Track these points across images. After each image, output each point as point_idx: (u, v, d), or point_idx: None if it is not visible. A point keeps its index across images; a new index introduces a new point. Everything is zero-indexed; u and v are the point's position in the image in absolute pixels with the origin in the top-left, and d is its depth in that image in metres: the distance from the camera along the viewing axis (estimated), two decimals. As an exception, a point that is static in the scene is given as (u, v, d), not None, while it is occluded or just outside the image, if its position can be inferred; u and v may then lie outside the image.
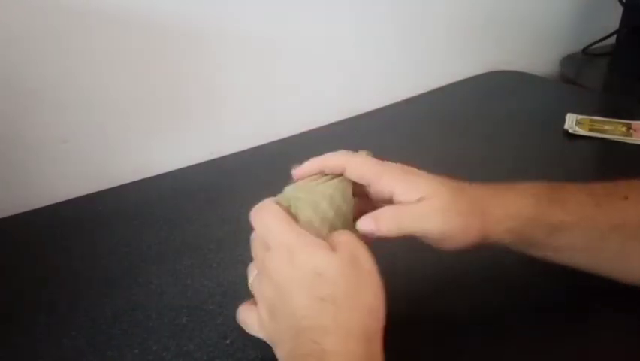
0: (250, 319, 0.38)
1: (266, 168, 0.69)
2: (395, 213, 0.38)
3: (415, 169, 0.40)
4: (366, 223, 0.37)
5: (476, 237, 0.38)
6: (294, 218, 0.37)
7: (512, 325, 0.44)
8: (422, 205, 0.37)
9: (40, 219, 0.60)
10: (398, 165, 0.40)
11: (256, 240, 0.38)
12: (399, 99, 0.89)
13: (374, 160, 0.41)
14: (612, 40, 1.06)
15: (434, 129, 0.81)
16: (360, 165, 0.40)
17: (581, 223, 0.39)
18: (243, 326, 0.40)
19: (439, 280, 0.48)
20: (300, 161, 0.71)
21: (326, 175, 0.41)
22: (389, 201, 0.39)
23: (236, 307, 0.46)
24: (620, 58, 1.05)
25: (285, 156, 0.74)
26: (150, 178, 0.68)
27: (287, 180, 0.67)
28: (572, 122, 0.78)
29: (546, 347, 0.41)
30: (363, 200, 0.41)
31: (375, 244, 0.38)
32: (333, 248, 0.34)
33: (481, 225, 0.38)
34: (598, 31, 1.07)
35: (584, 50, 1.10)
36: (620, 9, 1.02)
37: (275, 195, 0.41)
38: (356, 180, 0.40)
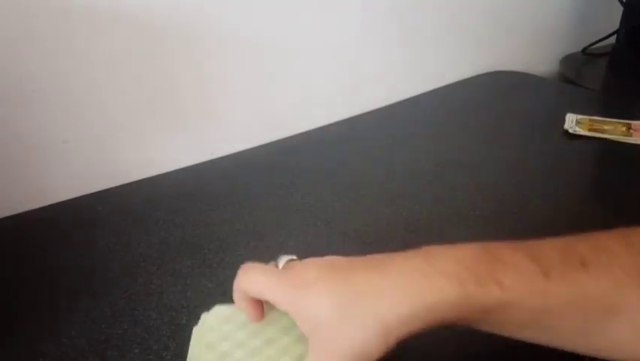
0: None
1: (266, 168, 0.69)
2: None
3: (305, 279, 0.34)
4: None
5: (383, 349, 0.32)
6: None
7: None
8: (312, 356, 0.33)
9: (40, 219, 0.60)
10: (286, 283, 0.35)
11: None
12: (399, 99, 0.89)
13: (263, 285, 0.36)
14: (612, 40, 1.06)
15: (434, 129, 0.81)
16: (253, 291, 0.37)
17: (524, 301, 0.32)
18: None
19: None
20: (300, 161, 0.72)
21: None
22: None
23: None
24: (620, 58, 1.05)
25: (285, 156, 0.75)
26: (150, 178, 0.68)
27: (287, 180, 0.67)
28: (571, 122, 0.78)
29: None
30: None
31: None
32: None
33: (384, 337, 0.31)
34: (598, 31, 1.07)
35: (584, 50, 1.10)
36: (620, 9, 1.03)
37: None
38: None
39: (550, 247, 0.34)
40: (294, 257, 0.38)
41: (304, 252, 0.53)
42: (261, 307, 0.38)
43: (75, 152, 0.63)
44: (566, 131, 0.76)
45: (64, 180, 0.63)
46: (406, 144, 0.76)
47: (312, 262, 0.36)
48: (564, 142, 0.75)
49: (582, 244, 0.34)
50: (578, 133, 0.76)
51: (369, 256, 0.36)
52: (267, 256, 0.53)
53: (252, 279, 0.37)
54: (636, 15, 1.00)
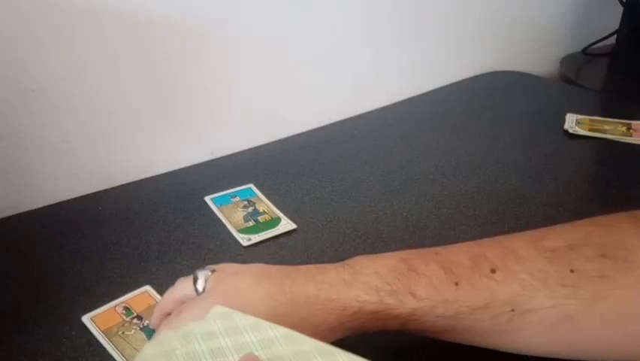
0: None
1: (266, 168, 0.69)
2: None
3: (240, 287, 0.37)
4: None
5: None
6: None
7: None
8: None
9: (40, 219, 0.60)
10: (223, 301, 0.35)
11: None
12: (399, 99, 0.89)
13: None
14: (612, 40, 1.06)
15: (434, 129, 0.81)
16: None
17: (437, 309, 0.35)
18: None
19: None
20: (300, 161, 0.72)
21: None
22: None
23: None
24: (620, 58, 1.05)
25: (285, 156, 0.75)
26: (150, 178, 0.68)
27: (287, 180, 0.67)
28: (571, 122, 0.78)
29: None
30: None
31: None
32: None
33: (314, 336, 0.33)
34: (598, 31, 1.07)
35: (584, 50, 1.10)
36: (620, 9, 1.02)
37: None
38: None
39: (463, 255, 0.36)
40: (209, 271, 0.39)
41: (304, 252, 0.53)
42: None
43: (75, 152, 0.63)
44: (566, 131, 0.76)
45: (64, 180, 0.63)
46: (406, 144, 0.76)
47: (241, 269, 0.39)
48: (564, 142, 0.75)
49: (493, 251, 0.36)
50: (578, 133, 0.76)
51: (304, 267, 0.39)
52: (266, 255, 0.53)
53: (193, 314, 0.36)
54: (636, 15, 1.00)
